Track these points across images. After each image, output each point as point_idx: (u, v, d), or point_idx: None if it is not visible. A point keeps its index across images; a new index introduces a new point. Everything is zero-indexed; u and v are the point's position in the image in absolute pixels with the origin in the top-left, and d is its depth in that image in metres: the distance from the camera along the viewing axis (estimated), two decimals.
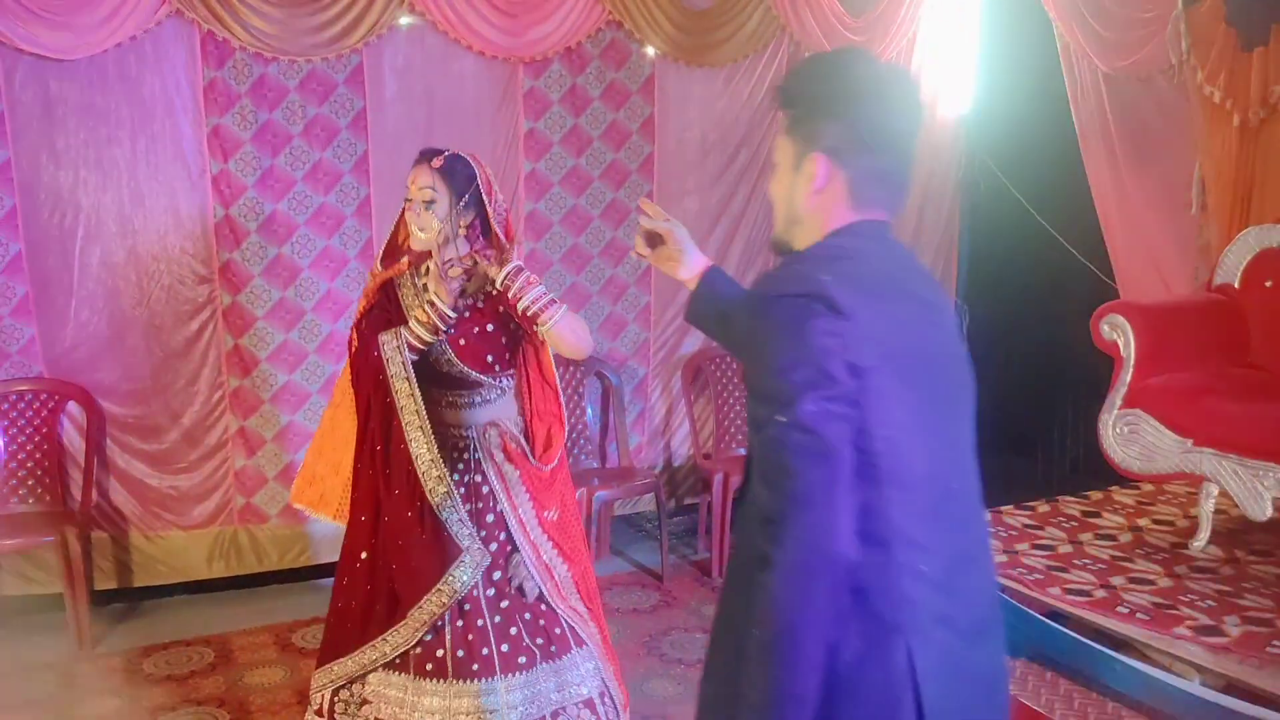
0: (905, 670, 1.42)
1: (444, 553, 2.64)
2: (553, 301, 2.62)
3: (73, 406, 4.06)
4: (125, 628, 4.10)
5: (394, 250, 2.84)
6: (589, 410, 4.76)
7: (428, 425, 2.64)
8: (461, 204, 2.68)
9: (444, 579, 2.62)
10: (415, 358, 2.66)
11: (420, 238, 2.67)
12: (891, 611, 1.43)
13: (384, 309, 2.75)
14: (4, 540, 3.82)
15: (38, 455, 4.03)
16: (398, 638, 2.65)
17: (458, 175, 2.68)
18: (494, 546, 2.73)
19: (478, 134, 4.41)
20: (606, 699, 2.81)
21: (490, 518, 2.74)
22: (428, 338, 2.64)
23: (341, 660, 2.71)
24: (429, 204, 2.65)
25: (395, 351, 2.65)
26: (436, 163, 2.66)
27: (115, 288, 4.04)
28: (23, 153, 3.85)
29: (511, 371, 2.83)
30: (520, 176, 4.56)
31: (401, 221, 2.82)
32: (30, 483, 4.02)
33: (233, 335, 4.22)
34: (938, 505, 1.50)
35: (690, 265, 1.84)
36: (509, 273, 2.61)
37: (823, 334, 1.40)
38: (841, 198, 1.54)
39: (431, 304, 2.62)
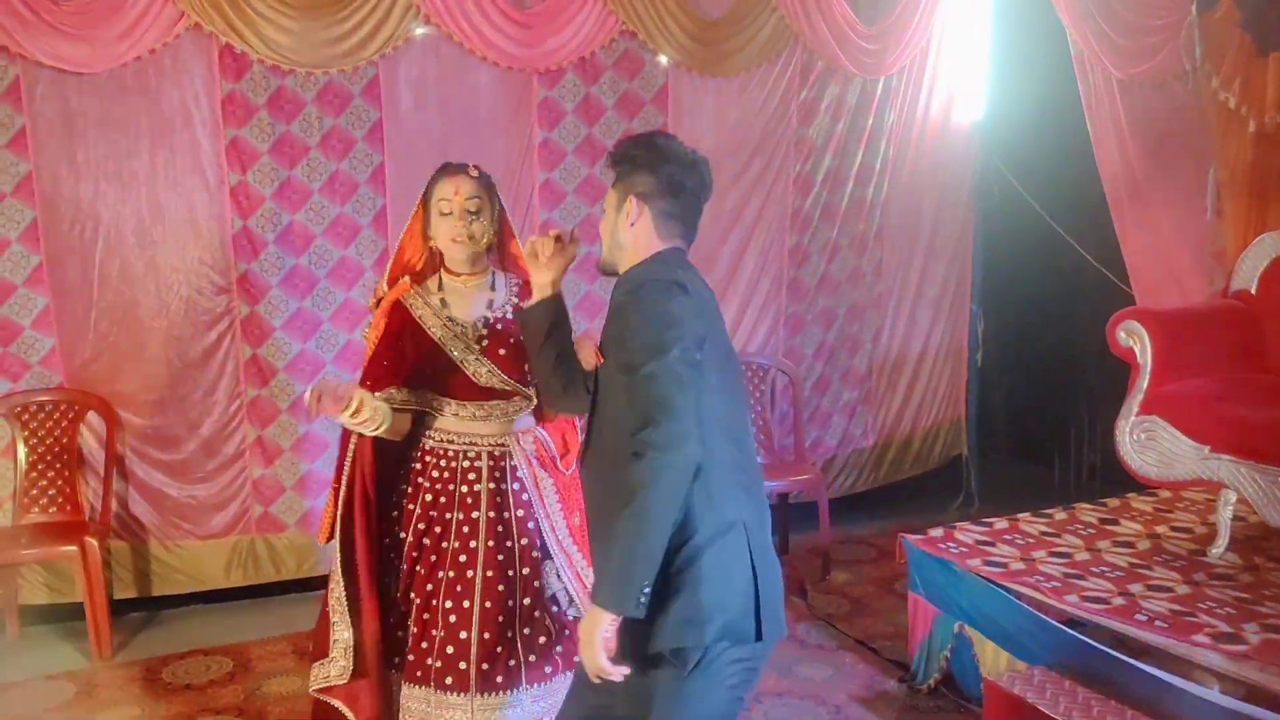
0: (745, 548, 2.05)
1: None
2: None
3: (92, 416, 4.09)
4: (144, 636, 4.12)
5: (401, 269, 2.83)
6: None
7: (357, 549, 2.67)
8: (496, 212, 2.74)
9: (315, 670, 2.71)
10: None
11: (468, 247, 2.68)
12: (732, 511, 2.05)
13: (395, 339, 2.71)
14: (25, 549, 3.85)
15: (58, 465, 4.05)
16: None
17: (492, 185, 2.74)
18: (535, 553, 2.73)
19: (492, 144, 4.43)
20: None
21: (531, 524, 2.74)
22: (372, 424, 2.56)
23: None
24: (476, 213, 2.68)
25: (349, 466, 2.68)
26: (474, 171, 2.70)
27: (134, 299, 4.08)
28: (44, 165, 3.89)
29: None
30: (535, 186, 4.59)
31: (411, 237, 2.81)
32: (51, 492, 4.05)
33: (250, 345, 4.25)
34: (742, 443, 2.16)
35: (600, 614, 2.00)
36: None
37: (681, 307, 2.02)
38: (649, 230, 2.16)
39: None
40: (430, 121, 4.34)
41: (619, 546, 1.95)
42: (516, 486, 2.74)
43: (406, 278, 2.81)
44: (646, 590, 1.94)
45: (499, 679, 2.63)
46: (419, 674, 2.65)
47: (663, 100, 4.73)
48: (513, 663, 2.64)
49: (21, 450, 4.00)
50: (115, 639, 3.98)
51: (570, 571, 2.76)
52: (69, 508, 4.05)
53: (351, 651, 2.64)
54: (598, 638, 1.97)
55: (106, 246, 4.01)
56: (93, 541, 3.85)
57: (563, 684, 2.70)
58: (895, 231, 5.39)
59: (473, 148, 4.35)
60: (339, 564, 2.66)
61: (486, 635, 2.64)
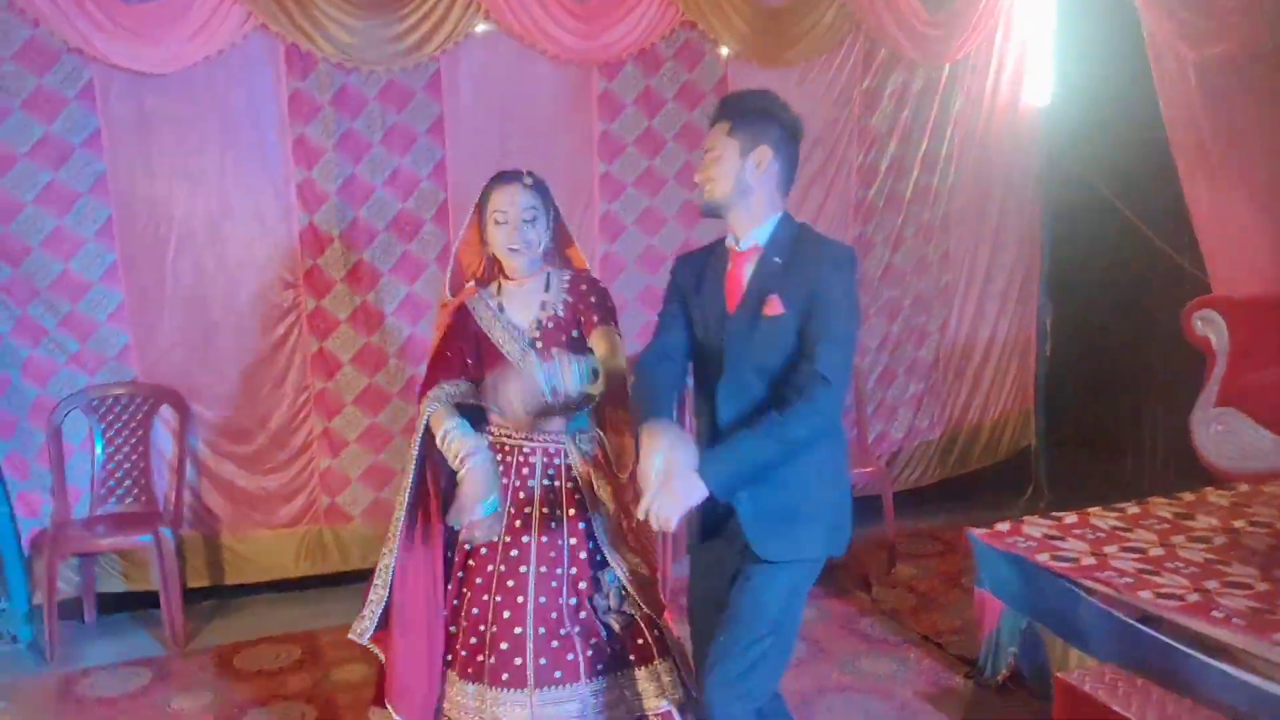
0: (849, 492, 2.51)
1: None
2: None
3: (166, 409, 4.19)
4: (217, 624, 4.23)
5: (462, 275, 2.87)
6: None
7: (401, 523, 2.75)
8: (551, 217, 2.75)
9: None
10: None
11: (524, 255, 2.70)
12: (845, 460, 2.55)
13: (458, 337, 2.77)
14: (102, 539, 3.97)
15: (134, 457, 4.16)
16: None
17: (547, 191, 2.75)
18: (583, 554, 2.74)
19: (552, 137, 4.45)
20: (688, 712, 2.79)
21: (583, 525, 2.75)
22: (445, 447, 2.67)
23: None
24: (532, 222, 2.69)
25: (413, 445, 2.75)
26: (528, 180, 2.71)
27: (205, 294, 4.17)
28: (119, 165, 3.99)
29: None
30: (595, 178, 4.59)
31: (468, 245, 2.84)
32: (127, 484, 4.16)
33: (317, 339, 4.32)
34: None
35: (696, 484, 2.25)
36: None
37: None
38: (775, 178, 2.38)
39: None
40: (491, 116, 4.36)
41: (749, 448, 2.25)
42: (570, 485, 2.75)
43: (472, 282, 2.85)
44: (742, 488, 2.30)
45: (558, 674, 2.62)
46: (470, 670, 2.66)
47: (722, 91, 4.68)
48: (571, 657, 2.64)
49: (98, 443, 4.11)
50: (189, 626, 4.09)
51: (622, 571, 2.75)
52: (144, 498, 4.17)
53: (379, 612, 2.76)
54: (690, 504, 2.23)
55: (178, 243, 4.11)
56: (167, 531, 3.95)
57: (618, 681, 2.70)
58: (961, 221, 5.30)
59: (532, 141, 4.39)
60: (396, 534, 2.74)
61: (542, 630, 2.64)
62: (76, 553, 4.05)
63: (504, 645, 2.64)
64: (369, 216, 4.31)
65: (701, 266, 2.50)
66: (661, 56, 4.60)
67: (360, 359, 4.38)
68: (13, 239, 3.91)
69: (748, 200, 2.38)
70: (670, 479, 2.21)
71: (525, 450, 2.76)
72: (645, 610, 2.76)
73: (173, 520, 4.08)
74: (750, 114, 2.37)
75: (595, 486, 2.76)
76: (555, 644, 2.65)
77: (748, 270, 2.40)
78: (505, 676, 2.62)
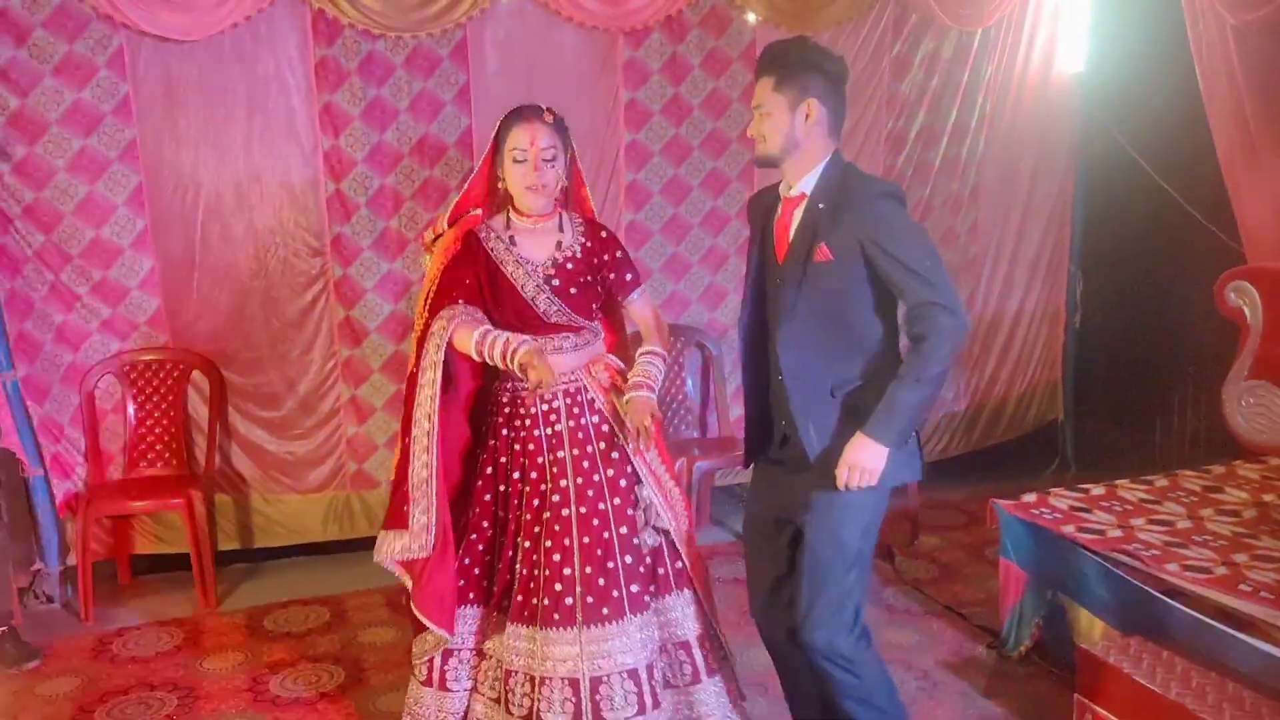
0: None
1: None
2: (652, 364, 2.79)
3: (197, 374, 4.24)
4: (247, 586, 4.29)
5: (466, 207, 2.83)
6: (689, 380, 4.77)
7: (435, 431, 2.69)
8: (569, 157, 2.73)
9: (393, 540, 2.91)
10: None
11: (542, 195, 2.69)
12: None
13: (469, 263, 2.73)
14: (135, 502, 4.04)
15: (165, 422, 4.22)
16: None
17: (566, 130, 2.74)
18: (624, 482, 2.76)
19: (578, 105, 4.41)
20: (706, 644, 2.84)
21: (615, 455, 2.77)
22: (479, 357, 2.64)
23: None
24: (551, 162, 2.68)
25: (437, 350, 2.66)
26: (549, 117, 2.69)
27: (234, 261, 4.20)
28: (148, 132, 4.02)
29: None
30: (620, 147, 4.57)
31: (480, 178, 2.81)
32: (159, 448, 4.22)
33: (344, 306, 4.34)
34: None
35: (874, 448, 2.41)
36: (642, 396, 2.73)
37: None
38: (824, 127, 2.45)
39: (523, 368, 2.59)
40: (517, 84, 4.34)
41: (904, 399, 2.37)
42: (596, 419, 2.77)
43: (478, 210, 2.82)
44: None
45: (604, 610, 2.66)
46: (526, 614, 2.69)
47: (750, 58, 4.64)
48: (616, 594, 2.68)
49: (131, 407, 4.17)
50: (219, 588, 4.16)
51: (660, 492, 2.78)
52: (175, 462, 4.23)
53: (433, 533, 2.72)
54: (877, 467, 2.40)
55: (207, 210, 4.13)
56: (198, 495, 4.01)
57: (663, 608, 2.76)
58: (991, 190, 5.23)
59: (558, 109, 4.35)
60: (424, 446, 2.70)
61: (588, 569, 2.67)
62: (110, 515, 4.12)
63: (557, 586, 2.67)
64: (396, 184, 4.31)
65: (765, 209, 2.60)
66: (688, 23, 4.56)
67: (386, 327, 4.41)
68: (45, 205, 3.95)
69: (799, 151, 2.45)
70: (849, 452, 2.40)
71: (547, 397, 2.77)
72: (672, 533, 2.80)
73: (204, 484, 4.14)
74: (793, 66, 2.42)
75: (621, 413, 2.77)
76: (602, 581, 2.68)
77: (795, 218, 2.48)
78: (556, 617, 2.66)
